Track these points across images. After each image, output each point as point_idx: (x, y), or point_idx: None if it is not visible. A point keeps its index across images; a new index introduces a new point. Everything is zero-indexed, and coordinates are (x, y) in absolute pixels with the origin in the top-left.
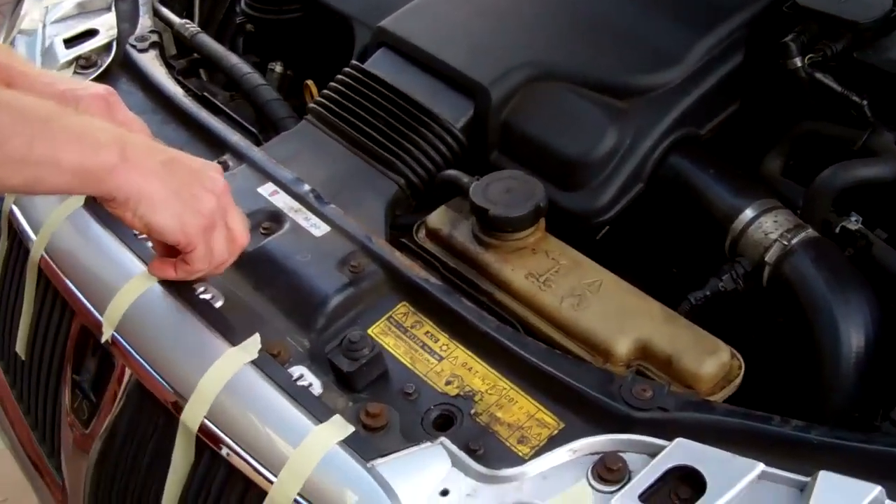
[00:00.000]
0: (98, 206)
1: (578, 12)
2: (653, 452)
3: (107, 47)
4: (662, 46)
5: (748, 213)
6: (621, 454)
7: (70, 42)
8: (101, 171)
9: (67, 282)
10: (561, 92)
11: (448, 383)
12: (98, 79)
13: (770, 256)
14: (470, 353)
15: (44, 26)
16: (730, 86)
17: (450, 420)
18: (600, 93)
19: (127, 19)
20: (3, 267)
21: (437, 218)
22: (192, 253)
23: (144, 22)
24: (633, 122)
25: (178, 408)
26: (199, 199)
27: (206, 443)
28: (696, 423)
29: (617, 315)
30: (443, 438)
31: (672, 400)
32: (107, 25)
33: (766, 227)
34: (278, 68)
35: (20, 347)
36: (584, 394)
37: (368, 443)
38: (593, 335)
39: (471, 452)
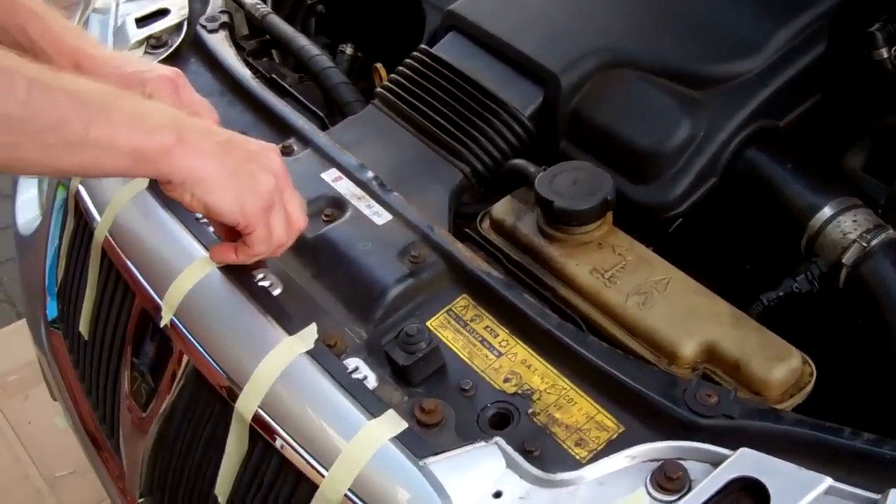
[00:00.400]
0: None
1: None
2: (715, 462)
3: (177, 27)
4: (741, 34)
5: (826, 212)
6: (682, 462)
7: (141, 21)
8: (156, 153)
9: (129, 264)
10: (634, 80)
11: (506, 381)
12: (167, 59)
13: (848, 258)
14: (530, 350)
15: (117, 5)
16: (811, 76)
17: (506, 419)
18: (675, 82)
19: None
20: (70, 247)
21: (502, 208)
22: (251, 234)
23: (215, 2)
24: (709, 112)
25: (233, 395)
26: (256, 180)
27: (259, 432)
28: (762, 432)
29: (684, 315)
30: (498, 438)
31: (738, 407)
32: (178, 5)
33: (844, 226)
34: (349, 50)
35: (83, 327)
36: (647, 397)
37: (422, 440)
38: (658, 336)
39: (526, 454)
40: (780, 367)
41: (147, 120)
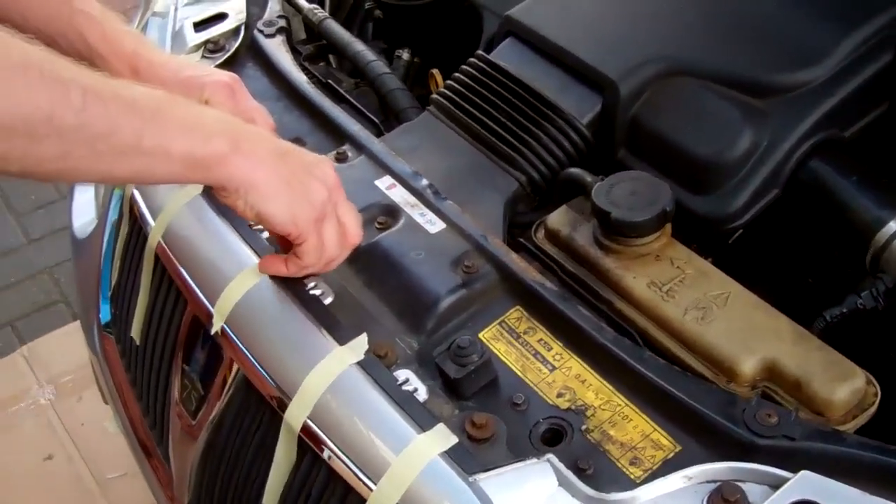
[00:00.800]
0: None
1: (715, 4)
2: (775, 484)
3: (235, 31)
4: (805, 42)
5: (893, 226)
6: (740, 484)
7: (199, 25)
8: (211, 160)
9: (182, 270)
10: (695, 88)
11: (559, 395)
12: (224, 64)
13: None
14: (584, 365)
15: (175, 9)
16: (878, 86)
17: (559, 435)
18: (737, 90)
19: (256, 3)
20: (123, 251)
21: (558, 218)
22: (302, 245)
23: (273, 6)
24: (772, 122)
25: (283, 405)
26: (310, 190)
27: (308, 443)
28: (823, 454)
29: (744, 331)
30: (550, 455)
31: (799, 428)
32: (236, 9)
33: None
34: (405, 55)
35: (135, 332)
36: (704, 416)
37: (472, 455)
38: (718, 352)
39: (579, 472)
40: (844, 386)
41: (201, 127)
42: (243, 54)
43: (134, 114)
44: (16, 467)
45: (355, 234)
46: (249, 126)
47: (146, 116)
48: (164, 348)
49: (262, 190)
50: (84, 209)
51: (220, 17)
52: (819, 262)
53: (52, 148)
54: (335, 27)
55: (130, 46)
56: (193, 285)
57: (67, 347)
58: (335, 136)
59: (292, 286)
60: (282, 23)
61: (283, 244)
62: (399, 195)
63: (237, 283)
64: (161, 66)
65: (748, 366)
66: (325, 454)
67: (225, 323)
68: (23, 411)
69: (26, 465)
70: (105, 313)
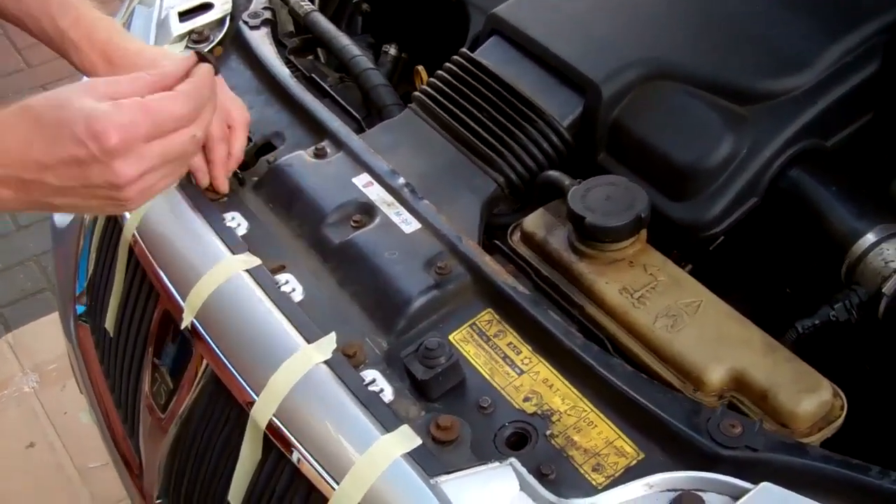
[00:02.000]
0: (191, 189)
1: (701, 8)
2: (736, 495)
3: (220, 22)
4: (790, 49)
5: (869, 238)
6: (701, 493)
7: (185, 15)
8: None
9: (154, 264)
10: (677, 93)
11: (526, 400)
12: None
13: (888, 287)
14: (552, 370)
15: None
16: (863, 96)
17: (524, 439)
18: (719, 96)
19: None
20: (100, 242)
21: (533, 221)
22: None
23: None
24: (753, 129)
25: (249, 402)
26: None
27: (273, 441)
28: (786, 466)
29: (714, 341)
30: (513, 459)
31: (762, 439)
32: (222, 0)
33: (887, 254)
34: (392, 51)
35: (109, 324)
36: (669, 424)
37: (436, 457)
38: (686, 360)
39: (541, 477)
40: (810, 399)
41: None
42: (227, 45)
43: None
44: None
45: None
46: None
47: None
48: (137, 341)
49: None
50: None
51: (206, 7)
52: (797, 273)
53: None
54: (321, 20)
55: (104, 34)
56: (165, 279)
57: (53, 335)
58: (315, 131)
59: (264, 283)
60: (267, 14)
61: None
62: (376, 193)
63: (208, 278)
64: (136, 54)
65: (715, 375)
66: (291, 453)
67: (195, 318)
68: (6, 398)
69: (8, 452)
70: (81, 304)
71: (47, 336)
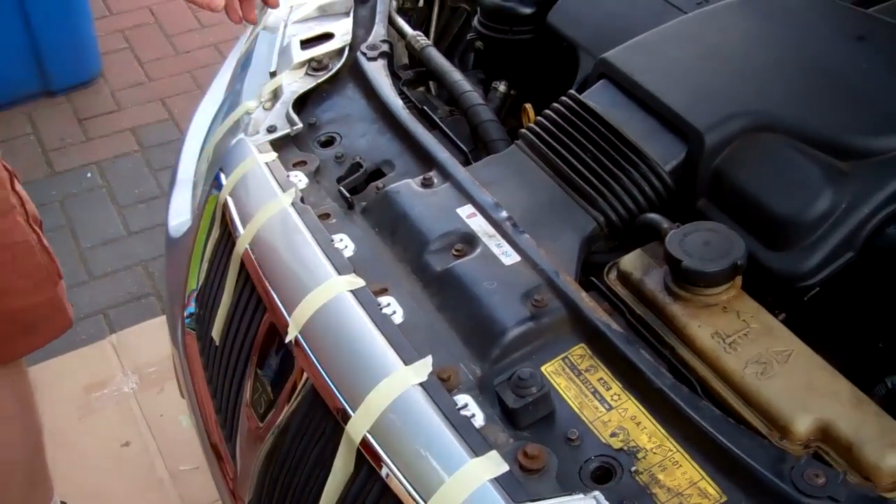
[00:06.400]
0: (303, 209)
1: (806, 64)
2: None
3: (339, 52)
4: (892, 108)
5: None
6: None
7: (307, 43)
8: None
9: (264, 278)
10: (779, 145)
11: (613, 435)
12: (326, 82)
13: None
14: (641, 408)
15: (285, 25)
16: None
17: (609, 474)
18: (821, 150)
19: (363, 26)
20: (213, 254)
21: (631, 261)
22: None
23: (378, 30)
24: (853, 185)
25: (346, 417)
26: None
27: (365, 457)
28: None
29: (802, 390)
30: (597, 493)
31: (845, 491)
32: (342, 31)
33: None
34: (502, 87)
35: (216, 333)
36: (753, 470)
37: (521, 484)
38: (774, 408)
39: None
40: (894, 454)
41: None
42: (345, 74)
43: None
44: (94, 451)
45: None
46: None
47: None
48: (241, 351)
49: None
50: (180, 209)
51: (327, 36)
52: (889, 328)
53: None
54: (435, 55)
55: None
56: (273, 294)
57: (155, 339)
58: (424, 161)
59: (367, 303)
60: (385, 47)
61: None
62: (478, 224)
63: (314, 296)
64: None
65: (802, 424)
66: (382, 469)
67: (299, 333)
68: (106, 397)
69: (104, 449)
70: (189, 311)
71: (149, 340)
